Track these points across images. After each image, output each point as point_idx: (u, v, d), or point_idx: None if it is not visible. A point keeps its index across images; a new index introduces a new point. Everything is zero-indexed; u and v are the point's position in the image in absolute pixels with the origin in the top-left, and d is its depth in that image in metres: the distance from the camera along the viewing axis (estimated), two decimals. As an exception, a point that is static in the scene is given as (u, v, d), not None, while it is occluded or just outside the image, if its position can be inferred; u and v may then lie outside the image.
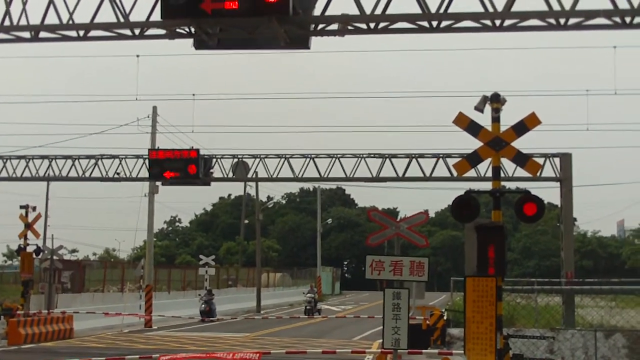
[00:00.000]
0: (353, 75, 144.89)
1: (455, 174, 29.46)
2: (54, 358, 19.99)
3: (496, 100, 12.41)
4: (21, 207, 29.61)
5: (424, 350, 19.66)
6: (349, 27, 16.55)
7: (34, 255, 29.60)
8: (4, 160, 34.60)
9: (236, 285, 62.39)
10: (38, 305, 30.55)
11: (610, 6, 15.25)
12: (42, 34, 18.03)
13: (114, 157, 34.06)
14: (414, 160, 31.87)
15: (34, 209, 29.82)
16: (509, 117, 12.69)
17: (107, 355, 20.28)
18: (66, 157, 34.41)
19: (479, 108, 12.49)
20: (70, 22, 17.50)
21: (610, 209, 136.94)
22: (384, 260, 13.09)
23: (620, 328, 22.56)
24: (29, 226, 29.33)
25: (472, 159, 12.72)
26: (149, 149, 33.88)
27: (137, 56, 34.64)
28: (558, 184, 31.04)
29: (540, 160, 29.83)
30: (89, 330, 31.88)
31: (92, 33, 17.86)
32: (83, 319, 31.65)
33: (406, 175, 32.09)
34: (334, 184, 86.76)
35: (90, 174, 34.10)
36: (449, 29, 16.25)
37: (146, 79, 41.44)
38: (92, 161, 34.07)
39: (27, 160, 34.54)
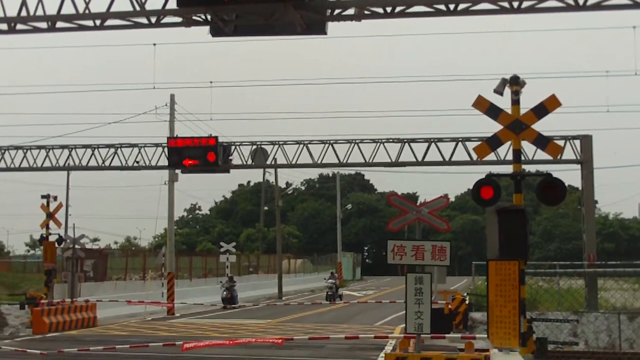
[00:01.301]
0: (371, 61, 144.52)
1: (475, 157, 29.33)
2: (79, 346, 20.10)
3: (515, 83, 12.31)
4: (42, 196, 29.76)
5: (446, 335, 19.61)
6: (366, 12, 16.48)
7: (57, 245, 29.75)
8: (25, 151, 34.79)
9: (257, 272, 62.59)
10: (61, 294, 30.77)
11: (630, -15, 15.09)
12: (59, 24, 18.09)
13: (133, 145, 34.14)
14: (433, 144, 31.72)
15: (55, 198, 29.95)
16: (529, 100, 12.59)
17: (131, 342, 20.41)
18: (86, 147, 34.53)
19: (499, 91, 12.40)
20: (87, 11, 17.55)
21: (632, 191, 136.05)
22: (405, 245, 13.04)
23: (644, 310, 22.40)
24: (50, 216, 29.49)
25: (492, 142, 12.63)
26: (167, 137, 33.93)
27: (154, 45, 34.79)
28: (579, 166, 30.82)
29: (561, 143, 29.59)
30: (113, 319, 32.08)
31: (109, 22, 17.90)
32: (106, 307, 31.86)
33: (425, 159, 31.95)
34: (353, 169, 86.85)
35: (110, 163, 34.21)
36: (466, 12, 16.14)
37: (163, 68, 41.68)
38: (112, 150, 34.17)
39: (47, 150, 34.70)
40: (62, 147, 34.76)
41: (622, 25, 44.09)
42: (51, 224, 29.39)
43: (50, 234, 29.39)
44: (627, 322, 19.96)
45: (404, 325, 13.17)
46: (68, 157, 34.57)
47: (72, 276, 30.75)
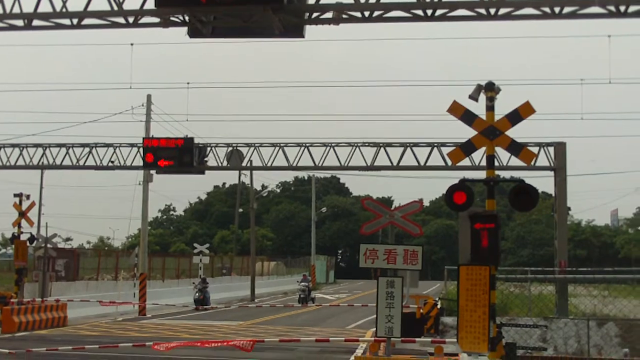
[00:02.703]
0: (348, 64, 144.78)
1: (449, 162, 29.46)
2: (48, 346, 19.98)
3: (491, 89, 12.39)
4: (15, 195, 29.52)
5: (417, 339, 19.69)
6: (344, 16, 16.54)
7: (28, 244, 29.51)
8: (-2, 148, 34.53)
9: (230, 273, 62.46)
10: (32, 294, 30.54)
11: (605, -5, 15.27)
12: (36, 22, 17.99)
13: (108, 145, 33.98)
14: (408, 149, 31.88)
15: (28, 197, 29.72)
16: (504, 106, 12.68)
17: (100, 342, 20.31)
18: (60, 145, 34.33)
19: (474, 97, 12.46)
20: (64, 10, 17.47)
21: (604, 198, 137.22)
22: (377, 248, 13.10)
23: (612, 317, 22.64)
24: (23, 214, 29.26)
25: (467, 148, 12.70)
26: (143, 137, 33.82)
27: (131, 44, 34.60)
28: (552, 173, 31.10)
29: (535, 149, 29.88)
30: (83, 319, 31.89)
31: (86, 21, 17.83)
32: (77, 307, 31.67)
33: (401, 164, 32.10)
34: (328, 172, 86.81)
35: (85, 162, 34.02)
36: (443, 18, 16.25)
37: (140, 68, 41.29)
38: (87, 149, 33.99)
39: (21, 148, 34.46)
40: (37, 145, 34.54)
41: (597, 34, 44.58)
42: (23, 222, 29.16)
43: (22, 232, 29.17)
44: (595, 328, 20.15)
45: (375, 328, 13.22)
46: (42, 156, 34.35)
47: (43, 275, 30.55)
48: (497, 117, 12.44)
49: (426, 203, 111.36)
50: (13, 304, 27.32)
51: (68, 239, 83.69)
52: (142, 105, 37.93)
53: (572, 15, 15.91)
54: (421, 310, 24.00)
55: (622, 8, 15.51)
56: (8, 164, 34.54)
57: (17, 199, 29.34)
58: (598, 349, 20.08)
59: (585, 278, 29.32)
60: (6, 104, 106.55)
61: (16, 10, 17.64)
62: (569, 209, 78.17)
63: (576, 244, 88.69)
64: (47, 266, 31.15)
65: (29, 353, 18.16)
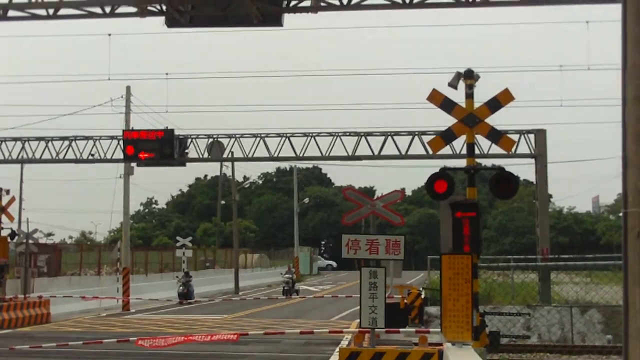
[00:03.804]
0: (328, 53, 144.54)
1: (430, 151, 29.49)
2: (31, 343, 19.83)
3: (470, 77, 12.34)
4: (-6, 190, 29.27)
5: (401, 329, 19.69)
6: (322, 4, 16.44)
7: (9, 240, 29.28)
8: (-24, 144, 34.22)
9: (214, 266, 62.29)
10: (14, 290, 30.28)
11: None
12: (11, 13, 17.80)
13: (87, 138, 33.77)
14: (389, 138, 31.87)
15: (8, 192, 29.45)
16: (483, 94, 12.64)
17: (84, 339, 20.15)
18: (39, 139, 34.08)
19: (453, 84, 12.41)
20: (40, 0, 17.26)
21: (585, 185, 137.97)
22: (359, 239, 13.01)
23: (595, 304, 22.72)
24: (3, 209, 29.00)
25: (447, 136, 12.66)
26: (123, 130, 33.61)
27: (109, 35, 34.36)
28: (533, 160, 31.17)
29: (515, 137, 29.92)
30: (66, 315, 31.68)
31: (62, 11, 17.65)
32: (60, 303, 31.43)
33: (382, 153, 32.09)
34: (310, 163, 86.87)
35: (64, 155, 33.80)
36: (421, 5, 16.20)
37: (119, 59, 40.96)
38: (66, 143, 33.77)
39: (0, 142, 34.15)
40: (15, 139, 34.27)
41: (576, 20, 44.59)
42: (3, 218, 28.91)
43: (2, 228, 28.91)
44: (578, 315, 20.24)
45: (359, 319, 13.16)
46: (21, 150, 34.09)
47: (25, 272, 30.32)
48: (476, 105, 12.40)
49: (408, 192, 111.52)
50: (-6, 301, 27.09)
51: (50, 234, 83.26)
52: (122, 97, 37.61)
53: (550, 1, 15.90)
54: (405, 301, 24.01)
55: (601, -6, 15.53)
56: (-13, 158, 34.27)
57: (-4, 195, 29.07)
58: (582, 336, 20.16)
59: (567, 265, 29.45)
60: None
61: (-9, 2, 17.43)
62: (551, 196, 78.61)
63: (558, 232, 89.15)
64: (28, 262, 30.93)
65: (12, 351, 17.99)
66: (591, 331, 20.10)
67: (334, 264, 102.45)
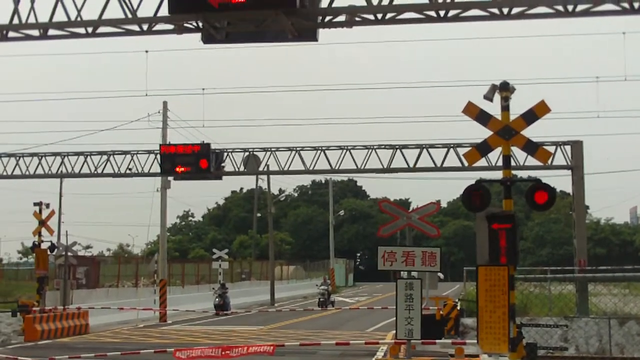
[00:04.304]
0: (362, 67, 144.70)
1: (466, 163, 29.42)
2: (70, 353, 20.09)
3: (505, 89, 12.38)
4: (35, 204, 29.71)
5: (437, 341, 19.66)
6: (357, 19, 16.54)
7: (49, 252, 29.71)
8: (17, 158, 34.77)
9: (250, 278, 62.53)
10: (53, 302, 30.71)
11: (618, -8, 15.20)
12: (51, 32, 18.11)
13: (125, 152, 34.13)
14: (424, 150, 31.80)
15: (48, 205, 29.91)
16: (519, 106, 12.66)
17: (122, 350, 20.38)
18: (78, 154, 34.51)
19: (488, 97, 12.46)
20: (79, 19, 17.57)
21: (623, 196, 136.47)
22: (395, 251, 13.11)
23: (634, 315, 22.50)
24: (42, 223, 29.45)
25: (482, 149, 12.69)
26: (160, 144, 33.97)
27: (146, 52, 34.84)
28: (569, 171, 30.94)
29: (551, 149, 29.74)
30: (104, 326, 32.03)
31: (101, 29, 17.93)
32: (98, 314, 31.80)
33: (417, 165, 32.02)
34: (345, 175, 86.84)
35: (102, 170, 34.19)
36: (456, 18, 16.22)
37: (156, 74, 41.48)
38: (104, 157, 34.15)
39: (40, 157, 34.67)
40: (55, 154, 34.74)
41: (612, 31, 44.37)
42: (43, 231, 29.35)
43: (42, 241, 29.35)
44: (617, 327, 20.04)
45: (395, 331, 13.22)
46: (60, 165, 34.55)
47: (64, 283, 30.73)
48: (512, 117, 12.43)
49: (443, 204, 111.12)
50: (35, 313, 27.49)
51: (88, 247, 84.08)
52: (159, 112, 38.11)
53: (586, 13, 15.84)
54: (441, 312, 23.97)
55: (636, 4, 15.44)
56: (27, 173, 34.77)
57: (37, 208, 29.54)
58: (620, 348, 19.97)
59: (605, 277, 29.15)
60: (24, 114, 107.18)
61: (32, 20, 17.76)
62: (588, 207, 77.77)
63: (595, 243, 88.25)
64: (67, 274, 31.33)
65: (52, 361, 18.26)
66: (630, 343, 19.90)
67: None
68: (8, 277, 62.22)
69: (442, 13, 16.19)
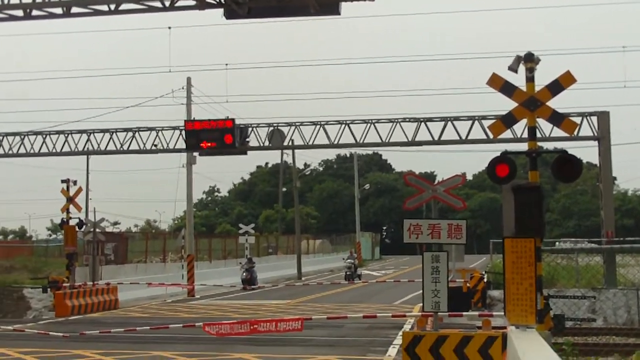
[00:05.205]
0: (385, 40, 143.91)
1: (491, 135, 29.28)
2: (101, 328, 20.36)
3: (530, 60, 12.27)
4: (62, 181, 29.95)
5: (464, 313, 19.70)
6: (380, -9, 16.45)
7: (77, 229, 29.98)
8: (44, 136, 35.09)
9: (276, 252, 62.85)
10: (83, 277, 31.07)
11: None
12: (74, 9, 18.19)
13: (150, 129, 34.30)
14: (449, 123, 31.67)
15: (75, 182, 30.15)
16: (544, 77, 12.55)
17: (151, 324, 20.62)
18: (104, 131, 34.75)
19: (513, 68, 12.36)
20: (102, -4, 17.63)
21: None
22: (421, 223, 13.08)
23: (662, 286, 22.40)
24: (70, 200, 29.72)
25: (507, 120, 12.61)
26: (184, 120, 34.11)
27: (169, 28, 34.95)
28: (596, 142, 30.68)
29: (577, 119, 29.47)
30: (133, 301, 32.39)
31: (123, 6, 17.98)
32: (127, 289, 32.15)
33: (442, 138, 31.90)
34: (370, 149, 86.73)
35: (128, 146, 34.39)
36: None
37: (179, 51, 41.60)
38: (130, 134, 34.35)
39: (66, 135, 34.95)
40: (81, 131, 35.01)
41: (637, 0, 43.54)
42: (71, 208, 29.61)
43: (70, 218, 29.64)
44: (645, 298, 19.98)
45: (422, 303, 13.26)
46: (87, 142, 34.82)
47: (93, 259, 31.07)
48: (537, 88, 12.34)
49: (469, 177, 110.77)
50: (65, 288, 27.86)
51: (116, 223, 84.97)
52: (182, 88, 38.25)
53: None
54: (468, 284, 24.00)
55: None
56: (54, 150, 35.11)
57: (64, 185, 29.79)
58: (648, 319, 19.92)
59: (632, 247, 28.99)
60: (49, 92, 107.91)
61: (55, -2, 17.86)
62: (615, 178, 77.28)
63: (623, 214, 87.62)
64: (96, 250, 31.66)
65: (83, 336, 18.52)
66: (658, 314, 19.85)
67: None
68: (38, 253, 62.96)
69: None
